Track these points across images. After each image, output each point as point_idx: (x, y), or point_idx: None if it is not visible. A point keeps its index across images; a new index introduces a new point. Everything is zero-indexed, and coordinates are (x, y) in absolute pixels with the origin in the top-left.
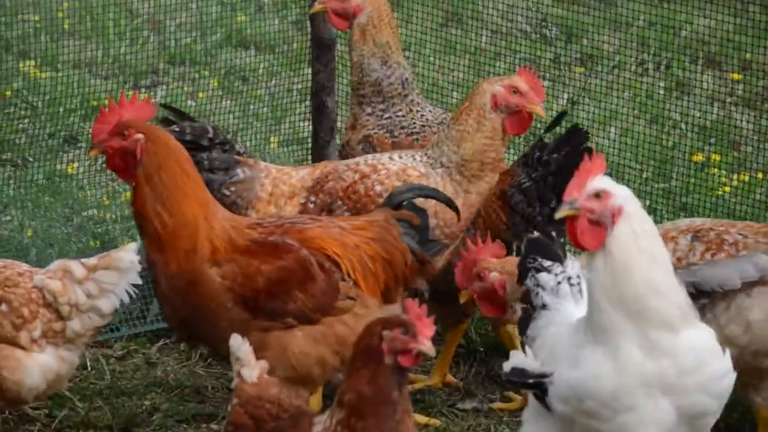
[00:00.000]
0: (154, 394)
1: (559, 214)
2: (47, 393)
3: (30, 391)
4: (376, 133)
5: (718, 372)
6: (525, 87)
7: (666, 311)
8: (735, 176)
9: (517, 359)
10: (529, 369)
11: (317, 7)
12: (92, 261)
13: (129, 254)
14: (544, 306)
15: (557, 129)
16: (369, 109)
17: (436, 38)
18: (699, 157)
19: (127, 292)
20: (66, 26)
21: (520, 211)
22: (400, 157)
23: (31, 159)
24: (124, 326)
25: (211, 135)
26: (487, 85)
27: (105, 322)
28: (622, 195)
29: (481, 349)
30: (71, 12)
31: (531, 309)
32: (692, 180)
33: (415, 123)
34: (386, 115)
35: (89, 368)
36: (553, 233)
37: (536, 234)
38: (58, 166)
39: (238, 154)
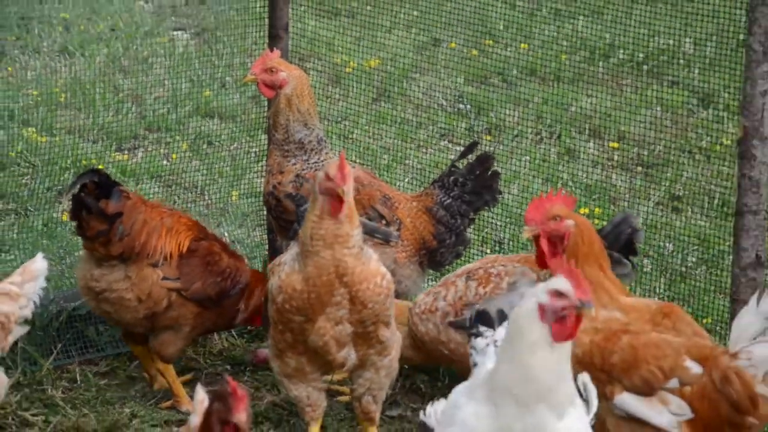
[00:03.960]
0: (133, 403)
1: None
2: None
3: None
4: (306, 171)
5: None
6: (333, 172)
7: (565, 396)
8: None
9: (428, 411)
10: (428, 424)
11: (249, 77)
12: (17, 277)
13: (41, 263)
14: (474, 365)
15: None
16: (293, 160)
17: (368, 111)
18: (585, 210)
19: None
20: (61, 99)
21: (444, 223)
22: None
23: (31, 209)
24: (109, 347)
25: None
26: (318, 173)
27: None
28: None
29: (406, 366)
30: (65, 87)
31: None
32: None
33: None
34: (311, 161)
35: (79, 381)
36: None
37: (482, 307)
38: (54, 215)
39: None
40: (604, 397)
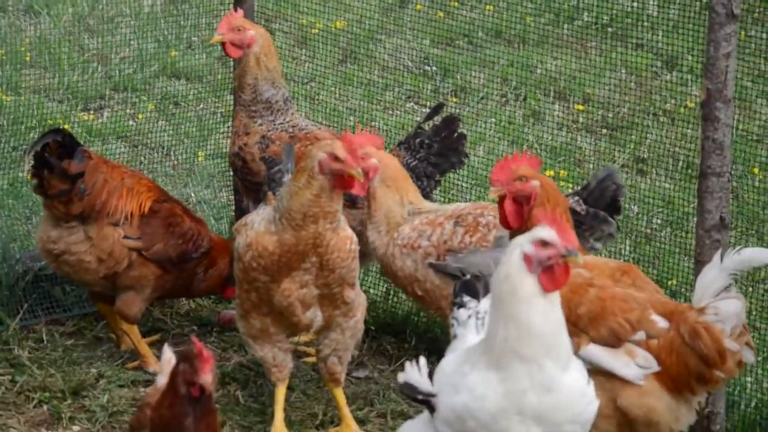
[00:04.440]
0: (100, 363)
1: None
2: None
3: None
4: (272, 132)
5: (589, 407)
6: (342, 154)
7: (566, 348)
8: (579, 188)
9: (410, 374)
10: (419, 386)
11: (217, 37)
12: None
13: None
14: (455, 336)
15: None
16: (260, 121)
17: (335, 72)
18: (550, 172)
19: None
20: (27, 58)
21: None
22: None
23: None
24: (75, 307)
25: None
26: (315, 150)
27: None
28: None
29: (373, 328)
30: (32, 46)
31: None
32: None
33: (299, 125)
34: (278, 122)
35: (45, 341)
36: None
37: (469, 276)
38: (20, 174)
39: None
40: None
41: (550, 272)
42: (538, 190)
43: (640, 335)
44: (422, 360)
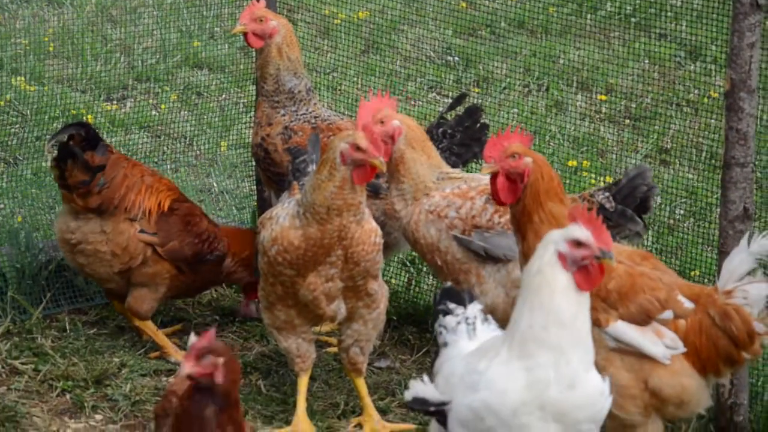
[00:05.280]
0: (122, 352)
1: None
2: None
3: None
4: (295, 123)
5: (605, 407)
6: (364, 144)
7: (591, 348)
8: (601, 178)
9: (418, 389)
10: (430, 398)
11: (239, 27)
12: None
13: None
14: (445, 344)
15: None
16: (282, 111)
17: (357, 62)
18: (573, 163)
19: None
20: (51, 48)
21: None
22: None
23: (20, 158)
24: (98, 296)
25: None
26: (337, 142)
27: None
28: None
29: (395, 318)
30: (55, 37)
31: (437, 347)
32: (567, 181)
33: (322, 116)
34: (300, 112)
35: (68, 331)
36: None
37: (448, 284)
38: (43, 164)
39: None
40: (597, 325)
41: (584, 272)
42: (531, 166)
43: (668, 314)
44: (425, 376)
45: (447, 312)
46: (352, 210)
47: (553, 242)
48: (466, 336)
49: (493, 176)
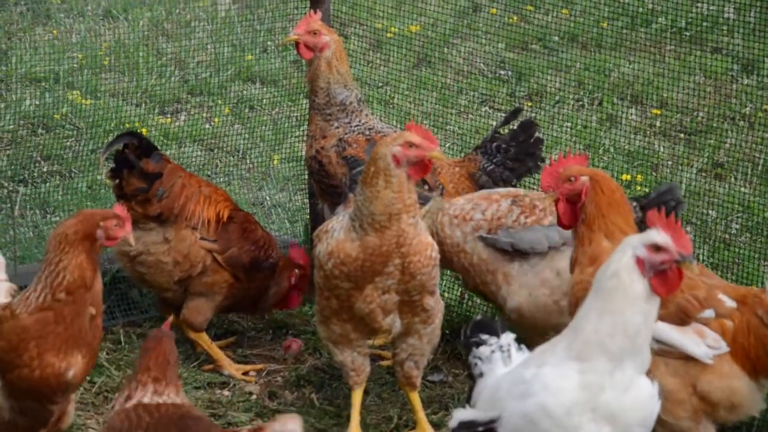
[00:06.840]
0: None
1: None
2: None
3: None
4: (349, 135)
5: (655, 411)
6: (418, 139)
7: (648, 355)
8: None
9: (461, 415)
10: (477, 418)
11: (292, 37)
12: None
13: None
14: (481, 374)
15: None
16: (336, 123)
17: (409, 76)
18: (626, 177)
19: None
20: (105, 62)
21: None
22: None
23: (75, 171)
24: (152, 309)
25: None
26: (384, 149)
27: None
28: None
29: (447, 332)
30: (110, 51)
31: (472, 380)
32: None
33: (375, 128)
34: (353, 124)
35: (123, 343)
36: None
37: (479, 316)
38: (98, 177)
39: None
40: None
41: (662, 277)
42: (588, 184)
43: (709, 313)
44: (466, 405)
45: (480, 343)
46: (410, 212)
47: (631, 246)
48: (502, 363)
49: (555, 203)
